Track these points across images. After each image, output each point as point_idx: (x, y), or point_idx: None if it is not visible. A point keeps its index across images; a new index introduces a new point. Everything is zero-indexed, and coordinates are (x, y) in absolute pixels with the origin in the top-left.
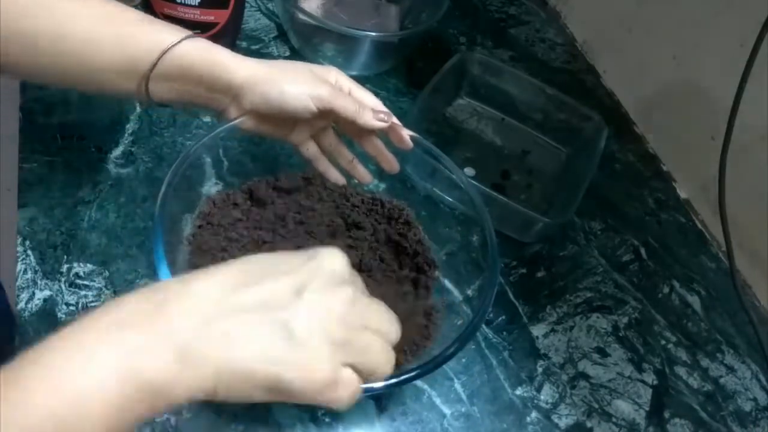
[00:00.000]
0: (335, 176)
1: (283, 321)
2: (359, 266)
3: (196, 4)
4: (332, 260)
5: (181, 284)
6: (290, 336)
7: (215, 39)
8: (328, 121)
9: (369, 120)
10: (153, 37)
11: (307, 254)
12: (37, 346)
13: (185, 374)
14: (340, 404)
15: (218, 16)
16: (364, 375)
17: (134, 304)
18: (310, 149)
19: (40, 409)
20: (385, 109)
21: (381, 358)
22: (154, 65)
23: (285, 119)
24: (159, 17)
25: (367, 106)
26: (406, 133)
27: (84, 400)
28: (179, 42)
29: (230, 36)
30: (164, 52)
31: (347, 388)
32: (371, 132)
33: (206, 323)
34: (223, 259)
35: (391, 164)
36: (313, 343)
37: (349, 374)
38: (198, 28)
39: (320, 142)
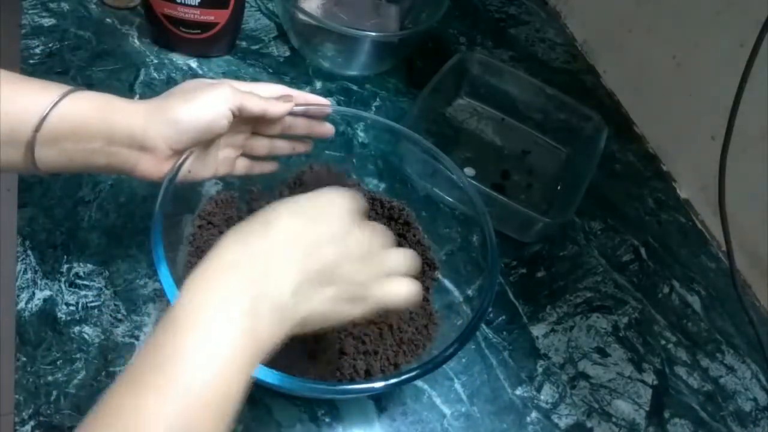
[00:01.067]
0: (271, 167)
1: (331, 276)
2: None
3: (196, 4)
4: (345, 201)
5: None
6: (336, 288)
7: (215, 39)
8: (248, 127)
9: (279, 109)
10: (32, 96)
11: (328, 201)
12: (153, 340)
13: (282, 328)
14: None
15: (218, 16)
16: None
17: (234, 280)
18: (240, 165)
19: (184, 399)
20: (286, 91)
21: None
22: (39, 126)
23: (207, 139)
24: (159, 17)
25: (270, 99)
26: (312, 100)
27: (222, 380)
28: (65, 96)
29: (230, 36)
30: (52, 107)
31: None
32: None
33: (297, 288)
34: None
35: (322, 129)
36: (348, 290)
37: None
38: (198, 28)
39: (254, 151)
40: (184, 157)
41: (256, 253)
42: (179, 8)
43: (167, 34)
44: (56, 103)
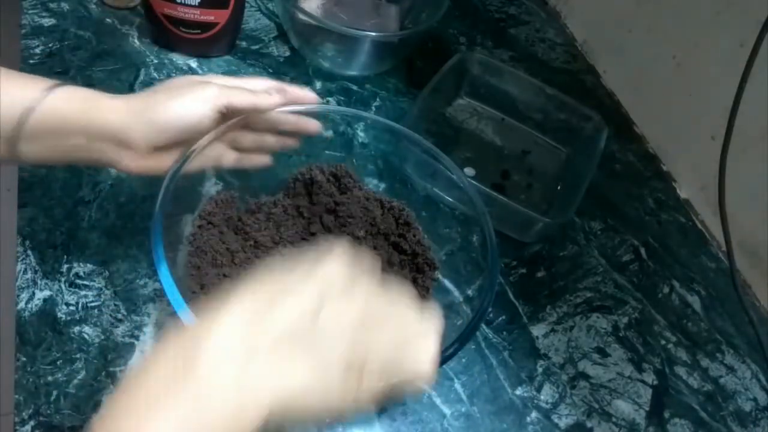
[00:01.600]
0: (263, 161)
1: (307, 344)
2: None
3: (196, 4)
4: (335, 266)
5: (201, 333)
6: (316, 357)
7: (215, 39)
8: (236, 126)
9: (269, 102)
10: (16, 91)
11: (310, 264)
12: None
13: (243, 417)
14: (365, 407)
15: (218, 16)
16: (390, 373)
17: (165, 371)
18: (228, 157)
19: None
20: (274, 84)
21: (407, 350)
22: (23, 121)
23: (189, 138)
24: (159, 17)
25: (260, 92)
26: (301, 94)
27: None
28: (49, 91)
29: (230, 36)
30: (35, 103)
31: (367, 391)
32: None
33: (244, 369)
34: (223, 260)
35: (309, 125)
36: (335, 359)
37: (370, 378)
38: (198, 28)
39: (242, 145)
40: (183, 158)
41: (188, 366)
42: (179, 8)
43: (167, 34)
44: (39, 99)
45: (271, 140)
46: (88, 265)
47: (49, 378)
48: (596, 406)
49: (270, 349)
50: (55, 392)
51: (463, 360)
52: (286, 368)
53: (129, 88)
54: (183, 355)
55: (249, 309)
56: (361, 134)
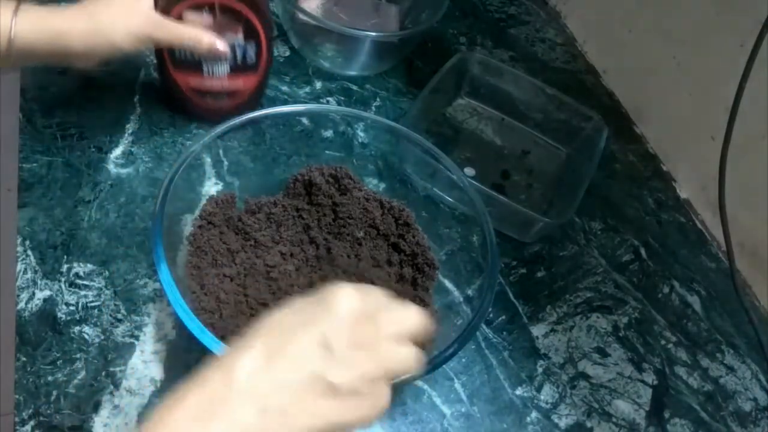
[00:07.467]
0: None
1: (320, 377)
2: (358, 266)
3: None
4: (345, 300)
5: (226, 368)
6: (331, 388)
7: (242, 105)
8: None
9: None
10: None
11: (319, 299)
12: None
13: None
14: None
15: (246, 81)
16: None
17: (198, 401)
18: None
19: None
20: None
21: (400, 360)
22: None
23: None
24: (183, 91)
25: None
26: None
27: None
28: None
29: (255, 101)
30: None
31: (382, 401)
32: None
33: (264, 409)
34: (223, 260)
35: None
36: (351, 386)
37: (382, 390)
38: (225, 96)
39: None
40: (181, 161)
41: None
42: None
43: (191, 105)
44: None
45: None
46: (88, 265)
47: (49, 378)
48: (596, 406)
49: (293, 385)
50: (55, 392)
51: (463, 360)
52: (297, 407)
53: (129, 88)
54: (211, 389)
55: (270, 344)
56: (361, 134)
